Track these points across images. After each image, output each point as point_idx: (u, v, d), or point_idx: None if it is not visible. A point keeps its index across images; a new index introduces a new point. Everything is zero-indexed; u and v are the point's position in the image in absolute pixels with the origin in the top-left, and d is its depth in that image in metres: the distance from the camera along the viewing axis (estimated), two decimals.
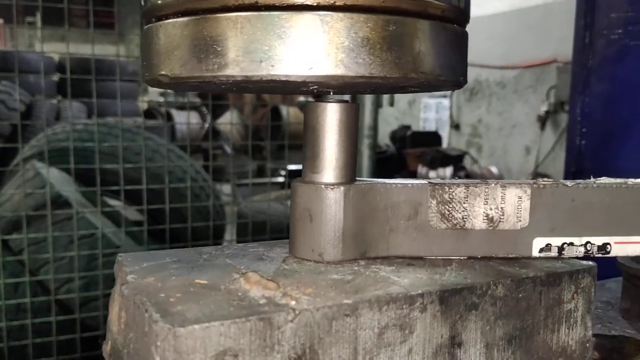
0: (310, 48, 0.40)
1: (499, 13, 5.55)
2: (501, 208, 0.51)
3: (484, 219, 0.51)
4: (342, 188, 0.48)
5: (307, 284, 0.43)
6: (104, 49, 2.18)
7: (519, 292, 0.47)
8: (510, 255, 0.52)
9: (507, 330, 0.47)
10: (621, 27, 1.41)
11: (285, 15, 0.40)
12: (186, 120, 4.98)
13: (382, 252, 0.51)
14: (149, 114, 5.39)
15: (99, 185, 2.10)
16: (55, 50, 4.36)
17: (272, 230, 2.48)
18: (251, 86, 0.47)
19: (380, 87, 0.50)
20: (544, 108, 5.33)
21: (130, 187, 2.16)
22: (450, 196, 0.51)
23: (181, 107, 5.82)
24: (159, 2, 0.44)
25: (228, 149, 5.39)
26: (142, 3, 0.47)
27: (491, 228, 0.51)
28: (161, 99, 6.78)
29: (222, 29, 0.41)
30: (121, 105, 2.46)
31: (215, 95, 3.02)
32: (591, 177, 0.53)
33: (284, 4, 0.40)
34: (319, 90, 0.49)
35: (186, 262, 0.48)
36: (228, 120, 5.64)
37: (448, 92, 6.58)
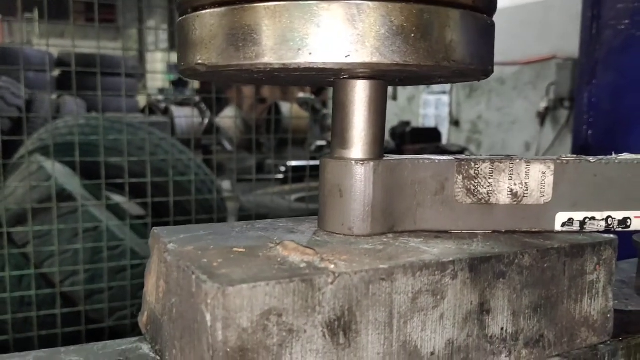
0: (347, 36, 0.41)
1: (499, 9, 5.55)
2: (525, 183, 0.53)
3: (508, 194, 0.53)
4: (371, 163, 0.50)
5: (341, 252, 0.45)
6: (102, 45, 2.19)
7: (544, 262, 0.49)
8: (534, 230, 0.53)
9: (532, 299, 0.49)
10: (628, 17, 1.43)
11: (322, 4, 0.41)
12: (185, 117, 4.98)
13: (409, 226, 0.52)
14: (148, 110, 5.39)
15: (104, 179, 2.11)
16: (54, 46, 4.35)
17: None
18: (283, 75, 0.48)
19: (410, 77, 0.51)
20: (543, 104, 5.35)
21: (134, 180, 2.17)
22: (476, 172, 0.52)
23: (180, 104, 5.82)
24: None
25: (227, 146, 5.40)
26: None
27: (515, 203, 0.53)
28: (160, 96, 6.78)
29: (259, 18, 0.42)
30: (120, 101, 2.46)
31: (216, 90, 3.02)
32: (612, 153, 0.55)
33: None
34: (349, 79, 0.50)
35: (220, 234, 0.49)
36: (227, 117, 5.64)
37: (447, 88, 6.60)
